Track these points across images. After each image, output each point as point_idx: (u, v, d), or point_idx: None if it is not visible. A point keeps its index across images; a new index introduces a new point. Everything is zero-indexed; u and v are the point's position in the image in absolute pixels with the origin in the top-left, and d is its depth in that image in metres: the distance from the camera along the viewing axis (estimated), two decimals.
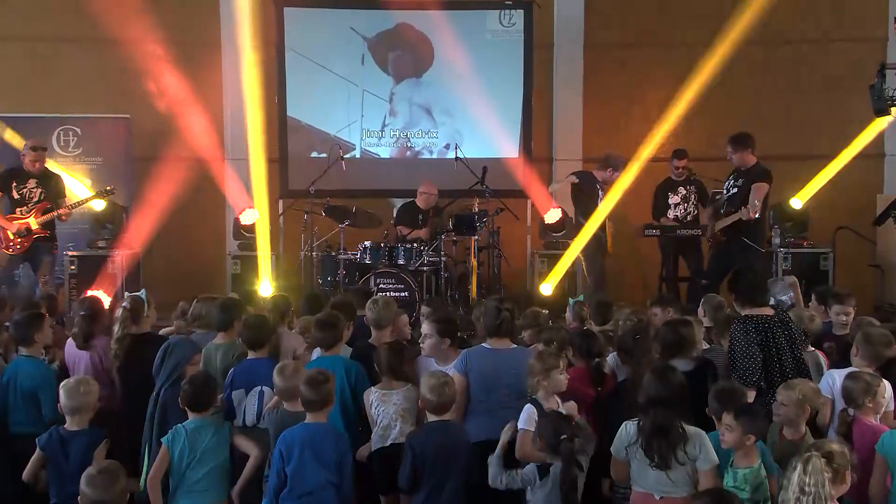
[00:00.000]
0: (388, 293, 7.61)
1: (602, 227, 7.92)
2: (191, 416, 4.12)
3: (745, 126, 8.84)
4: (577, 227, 8.09)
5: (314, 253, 8.53)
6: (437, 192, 8.81)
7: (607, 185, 8.23)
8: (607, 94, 10.03)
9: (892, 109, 6.79)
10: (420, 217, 8.70)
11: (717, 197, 8.02)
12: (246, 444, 4.14)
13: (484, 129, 9.83)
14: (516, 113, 9.87)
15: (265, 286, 8.27)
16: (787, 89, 9.74)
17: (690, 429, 3.55)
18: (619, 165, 8.23)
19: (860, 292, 5.99)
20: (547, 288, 9.00)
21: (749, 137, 7.60)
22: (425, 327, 4.51)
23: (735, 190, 7.57)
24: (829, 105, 9.63)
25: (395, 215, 9.03)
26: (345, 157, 9.01)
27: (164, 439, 4.07)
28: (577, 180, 8.34)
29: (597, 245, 7.84)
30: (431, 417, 3.93)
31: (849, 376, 4.04)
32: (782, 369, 4.27)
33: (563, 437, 3.52)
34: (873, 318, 5.35)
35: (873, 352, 4.36)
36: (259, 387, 4.41)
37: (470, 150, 9.35)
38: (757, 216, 7.35)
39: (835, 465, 2.95)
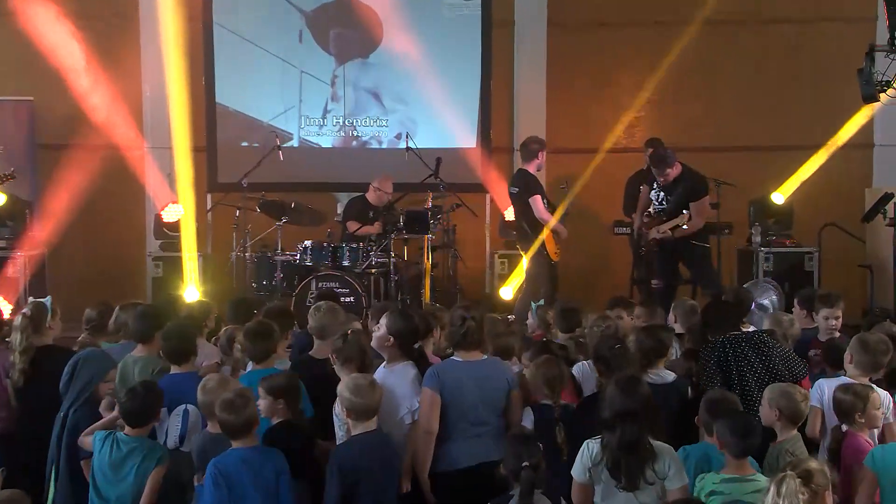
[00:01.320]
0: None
1: (540, 231, 7.80)
2: (128, 430, 4.06)
3: (724, 114, 9.00)
4: (520, 233, 8.02)
5: (247, 254, 8.45)
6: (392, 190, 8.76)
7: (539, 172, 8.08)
8: (574, 78, 10.06)
9: (882, 95, 6.90)
10: (371, 214, 8.65)
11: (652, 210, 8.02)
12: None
13: (438, 117, 9.81)
14: (474, 99, 9.87)
15: (191, 291, 8.14)
16: (770, 73, 9.87)
17: (659, 445, 3.58)
18: (535, 153, 7.97)
19: (848, 295, 6.07)
20: (508, 291, 9.03)
21: (668, 153, 7.66)
22: (382, 319, 4.48)
23: (666, 205, 7.64)
24: (815, 91, 9.77)
25: (341, 211, 8.94)
26: (281, 146, 8.92)
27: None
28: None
29: (535, 249, 7.80)
30: (356, 427, 3.88)
31: (840, 388, 4.09)
32: (742, 386, 4.36)
33: (524, 464, 3.51)
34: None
35: (871, 360, 4.42)
36: (183, 405, 4.34)
37: (423, 140, 9.31)
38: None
39: (813, 486, 2.98)
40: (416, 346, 4.45)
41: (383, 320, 4.41)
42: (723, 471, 3.62)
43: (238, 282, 8.57)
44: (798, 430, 4.05)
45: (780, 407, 3.96)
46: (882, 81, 6.85)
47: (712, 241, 7.91)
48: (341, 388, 3.93)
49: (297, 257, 8.11)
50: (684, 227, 7.50)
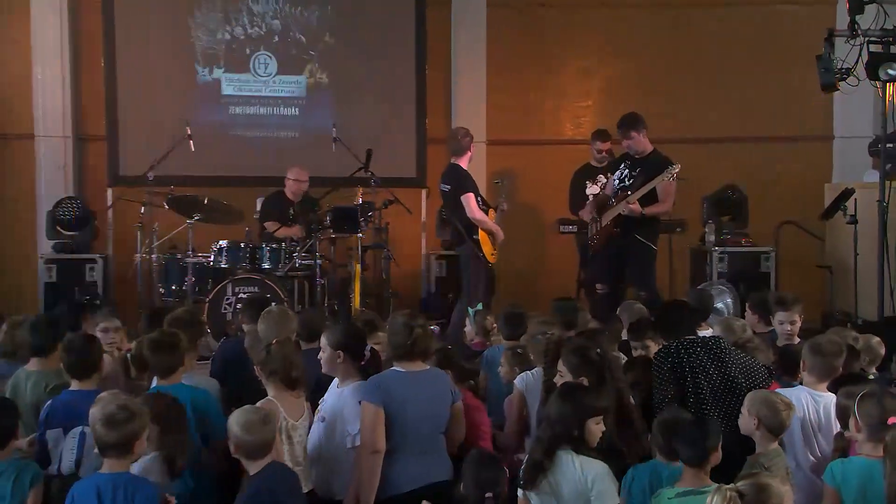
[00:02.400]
0: None
1: (475, 232, 7.74)
2: None
3: (677, 103, 9.11)
4: (454, 234, 7.99)
5: (154, 256, 8.30)
6: (309, 180, 8.69)
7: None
8: (517, 63, 10.08)
9: (842, 84, 7.04)
10: (291, 211, 8.55)
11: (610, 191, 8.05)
12: None
13: (369, 105, 9.76)
14: (408, 85, 9.84)
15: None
16: (725, 60, 10.01)
17: (586, 461, 3.63)
18: (467, 146, 7.85)
19: (806, 297, 6.18)
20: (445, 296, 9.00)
21: (641, 118, 7.65)
22: (322, 339, 4.48)
23: (629, 181, 7.62)
24: (772, 79, 9.92)
25: (258, 209, 8.83)
26: (193, 135, 8.74)
27: None
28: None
29: (471, 250, 7.78)
30: (250, 466, 3.77)
31: (843, 392, 4.08)
32: (697, 395, 4.41)
33: (487, 495, 3.49)
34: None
35: (823, 364, 4.48)
36: (80, 427, 4.22)
37: (352, 130, 9.26)
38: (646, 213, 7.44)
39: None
40: (367, 348, 4.47)
41: (323, 340, 4.41)
42: (677, 483, 3.67)
43: (144, 287, 8.40)
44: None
45: (760, 415, 3.99)
46: (842, 69, 6.96)
47: (663, 239, 7.98)
48: (230, 423, 3.82)
49: (211, 259, 7.98)
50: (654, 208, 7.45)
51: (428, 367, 4.36)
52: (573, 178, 8.99)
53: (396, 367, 4.30)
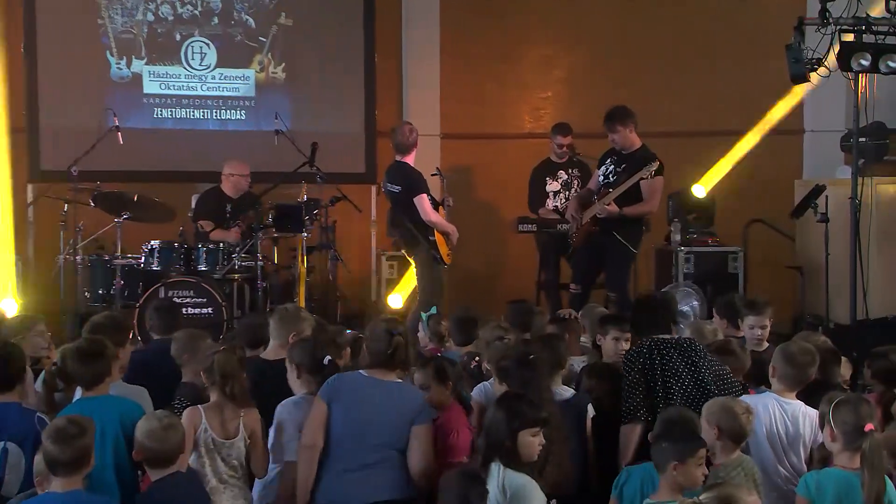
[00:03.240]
0: (184, 310, 7.36)
1: (430, 233, 7.73)
2: None
3: (641, 95, 9.13)
4: (406, 236, 7.94)
5: (79, 257, 8.15)
6: (250, 175, 8.60)
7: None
8: (472, 53, 10.07)
9: (813, 75, 7.09)
10: (228, 208, 8.43)
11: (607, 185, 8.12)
12: None
13: (314, 95, 9.72)
14: (357, 75, 9.81)
15: (7, 303, 7.87)
16: (691, 49, 10.07)
17: (510, 476, 3.64)
18: (415, 143, 7.79)
19: (776, 300, 6.22)
20: (396, 299, 8.96)
21: (626, 112, 7.71)
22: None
23: (613, 178, 7.69)
24: (740, 69, 9.99)
25: (193, 206, 8.70)
26: (121, 126, 8.62)
27: None
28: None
29: (426, 252, 7.76)
30: (153, 474, 3.85)
31: (827, 401, 4.02)
32: (667, 400, 4.43)
33: None
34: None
35: (795, 373, 4.51)
36: (1, 443, 4.18)
37: (296, 122, 9.21)
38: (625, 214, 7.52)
39: None
40: (326, 360, 4.51)
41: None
42: (652, 496, 3.72)
43: (67, 291, 8.24)
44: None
45: (720, 424, 4.00)
46: (812, 59, 7.02)
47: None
48: (136, 431, 3.89)
49: (142, 261, 7.88)
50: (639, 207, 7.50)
51: (400, 381, 4.34)
52: (533, 174, 9.00)
53: (363, 372, 4.32)
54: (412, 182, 7.68)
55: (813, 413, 4.37)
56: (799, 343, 4.77)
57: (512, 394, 4.02)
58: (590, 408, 4.54)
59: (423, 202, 7.62)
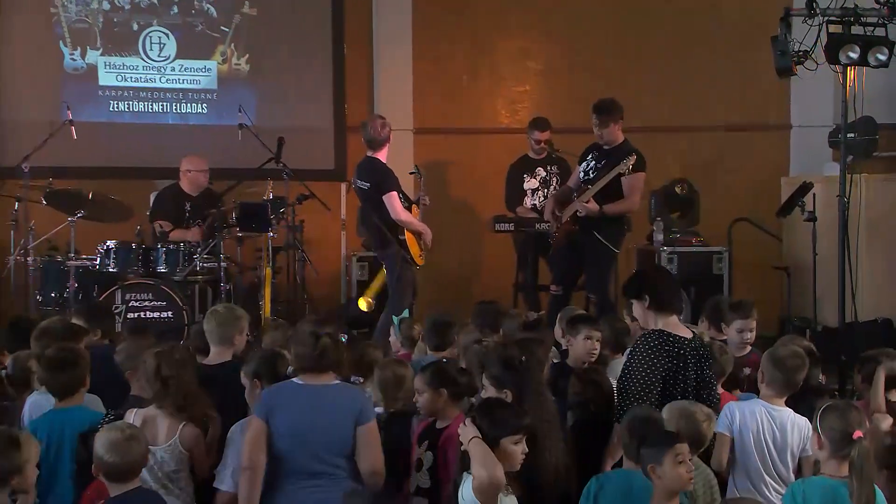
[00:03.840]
0: (143, 313, 7.37)
1: (401, 233, 7.72)
2: None
3: (622, 88, 9.10)
4: (376, 236, 7.94)
5: (30, 258, 8.10)
6: (212, 172, 8.56)
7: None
8: (446, 45, 10.08)
9: (799, 68, 7.11)
10: (188, 206, 8.39)
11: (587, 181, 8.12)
12: None
13: (280, 87, 9.69)
14: (325, 67, 9.79)
15: None
16: (674, 41, 10.10)
17: None
18: (387, 138, 7.75)
19: (762, 302, 6.26)
20: (367, 303, 8.93)
21: (617, 106, 7.74)
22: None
23: (593, 175, 7.69)
24: (724, 62, 10.04)
25: (151, 204, 8.66)
26: (76, 120, 8.55)
27: None
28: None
29: (396, 253, 7.74)
30: (112, 489, 3.84)
31: (834, 409, 4.00)
32: (671, 396, 4.39)
33: None
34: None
35: (784, 378, 4.52)
36: None
37: (261, 116, 9.19)
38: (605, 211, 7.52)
39: None
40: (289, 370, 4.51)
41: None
42: None
43: (18, 294, 8.22)
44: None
45: (679, 429, 4.02)
46: (799, 51, 7.04)
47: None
48: (95, 443, 3.87)
49: (98, 262, 7.82)
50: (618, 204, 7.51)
51: (337, 381, 4.33)
52: (509, 170, 9.02)
53: (295, 380, 4.30)
54: (382, 179, 7.64)
55: (802, 422, 4.40)
56: (789, 347, 4.81)
57: (493, 401, 4.00)
58: (569, 415, 4.53)
59: (392, 200, 7.58)
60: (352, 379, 5.10)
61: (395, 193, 7.62)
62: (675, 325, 4.55)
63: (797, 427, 4.43)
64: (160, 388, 4.32)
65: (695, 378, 4.48)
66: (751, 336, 5.63)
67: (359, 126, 8.09)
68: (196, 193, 8.49)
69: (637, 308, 4.60)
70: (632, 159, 7.41)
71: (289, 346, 4.61)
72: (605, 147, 7.69)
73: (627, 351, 4.72)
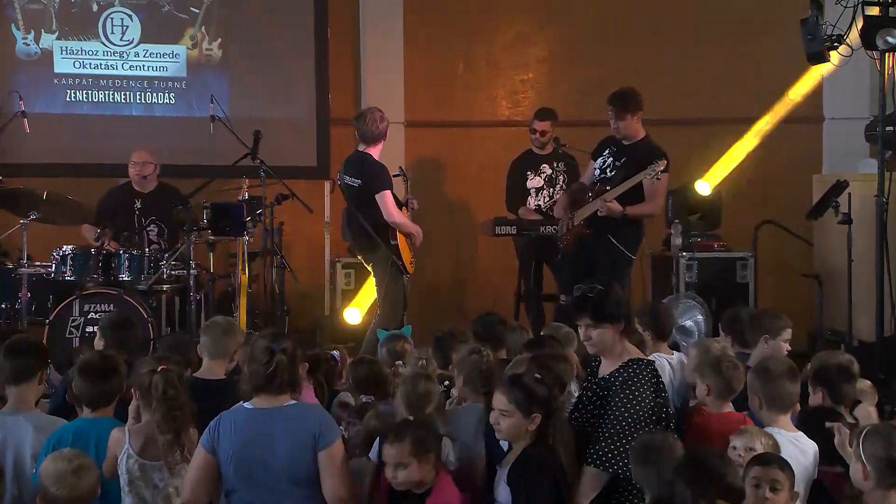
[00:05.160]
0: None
1: (392, 237, 7.74)
2: None
3: (634, 76, 9.08)
4: (362, 239, 7.93)
5: None
6: (157, 165, 8.52)
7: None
8: (439, 29, 10.07)
9: (833, 53, 7.10)
10: (138, 206, 8.39)
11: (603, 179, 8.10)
12: None
13: (257, 76, 9.67)
14: (306, 53, 9.83)
15: None
16: (691, 25, 10.08)
17: None
18: (384, 132, 7.81)
19: (791, 313, 6.17)
20: (354, 314, 8.90)
21: (637, 98, 7.71)
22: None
23: (611, 173, 7.67)
24: (748, 49, 10.03)
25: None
26: (28, 111, 8.55)
27: None
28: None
29: (387, 259, 7.76)
30: None
31: (876, 434, 3.94)
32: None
33: None
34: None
35: (777, 390, 4.55)
36: None
37: (236, 106, 9.17)
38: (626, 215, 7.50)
39: None
40: None
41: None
42: None
43: None
44: None
45: None
46: (832, 35, 7.03)
47: None
48: (41, 472, 3.91)
49: (52, 269, 7.79)
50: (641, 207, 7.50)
51: (293, 402, 4.31)
52: (511, 167, 8.99)
53: (246, 404, 4.29)
54: (375, 175, 7.67)
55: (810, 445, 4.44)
56: (779, 359, 4.88)
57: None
58: None
59: (386, 199, 7.61)
60: (362, 398, 5.14)
61: (389, 193, 7.66)
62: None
63: (814, 452, 4.46)
64: (166, 411, 4.33)
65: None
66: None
67: (343, 119, 8.09)
68: (147, 190, 8.48)
69: (609, 333, 4.43)
70: (661, 164, 7.37)
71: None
72: (625, 142, 7.67)
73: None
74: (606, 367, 4.39)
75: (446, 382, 5.15)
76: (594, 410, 4.33)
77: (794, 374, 4.66)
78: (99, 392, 4.62)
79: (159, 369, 4.39)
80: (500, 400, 4.25)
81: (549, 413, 4.20)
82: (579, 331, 4.50)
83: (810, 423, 4.60)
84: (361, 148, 7.79)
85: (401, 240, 7.73)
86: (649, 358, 4.40)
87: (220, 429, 4.19)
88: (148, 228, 8.34)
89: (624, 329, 4.43)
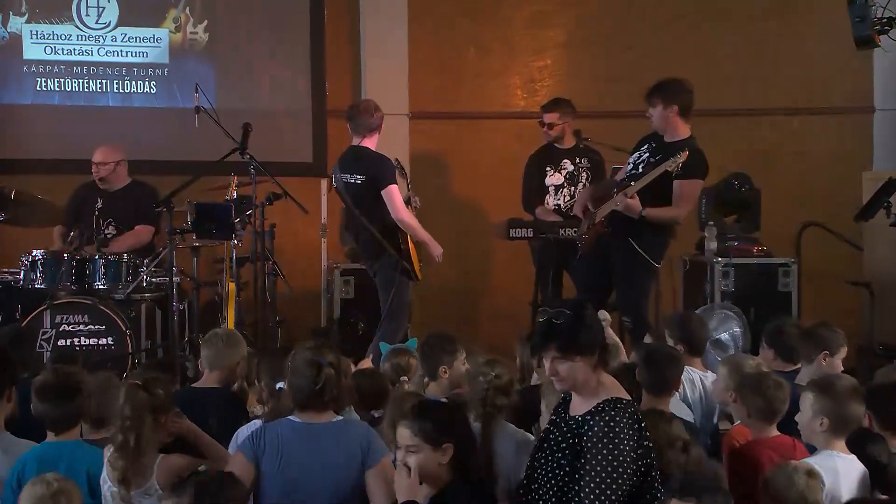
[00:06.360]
0: (77, 339, 7.43)
1: (402, 240, 7.78)
2: None
3: (664, 63, 9.10)
4: (366, 242, 7.97)
5: None
6: (125, 161, 8.55)
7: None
8: (448, 12, 10.10)
9: (883, 38, 7.07)
10: (99, 206, 8.39)
11: (623, 174, 8.09)
12: None
13: (246, 62, 9.71)
14: (301, 38, 9.86)
15: None
16: (729, 4, 10.09)
17: None
18: (379, 123, 7.90)
19: (838, 325, 6.16)
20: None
21: (672, 86, 7.67)
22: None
23: (642, 170, 7.62)
24: (791, 32, 10.04)
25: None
26: None
27: None
28: None
29: (394, 264, 7.77)
30: None
31: None
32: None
33: None
34: None
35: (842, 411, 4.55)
36: None
37: (223, 97, 9.18)
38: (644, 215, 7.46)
39: None
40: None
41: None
42: None
43: None
44: None
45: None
46: (883, 19, 7.02)
47: None
48: (21, 498, 4.00)
49: (21, 276, 7.82)
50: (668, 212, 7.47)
51: (340, 417, 4.44)
52: (528, 163, 8.98)
53: (293, 418, 4.40)
54: (380, 170, 7.73)
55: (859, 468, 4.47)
56: (843, 377, 4.89)
57: None
58: None
59: (394, 195, 7.68)
60: (374, 414, 5.17)
61: (396, 187, 7.72)
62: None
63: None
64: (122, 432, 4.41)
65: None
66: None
67: (343, 110, 8.10)
68: (113, 189, 8.51)
69: (580, 367, 4.20)
70: (682, 156, 7.30)
71: (259, 374, 4.88)
72: (666, 140, 7.64)
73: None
74: (580, 405, 4.16)
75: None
76: (567, 454, 4.09)
77: (859, 394, 4.66)
78: (60, 414, 4.70)
79: (127, 385, 4.48)
80: (403, 435, 4.09)
81: (465, 442, 4.11)
82: (544, 363, 4.23)
83: (852, 447, 4.59)
84: (357, 141, 7.85)
85: (410, 243, 7.78)
86: (627, 397, 4.21)
87: (266, 441, 4.30)
88: (106, 231, 8.34)
89: (598, 360, 4.18)
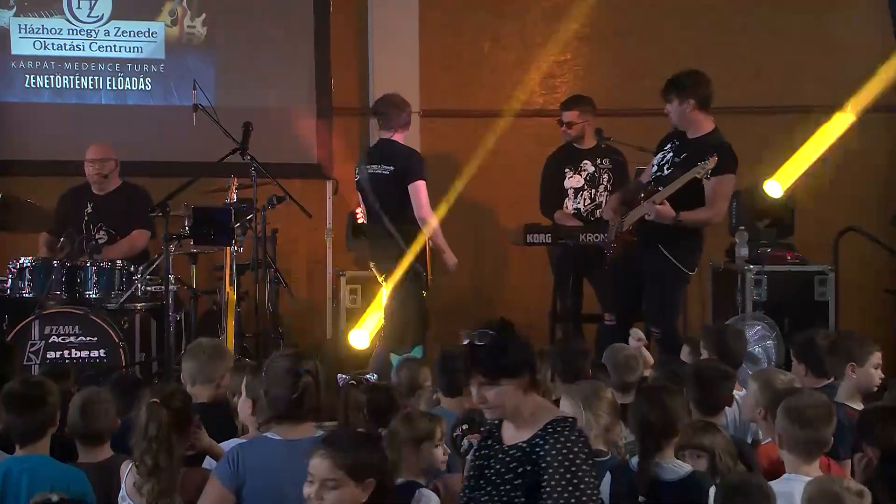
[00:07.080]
0: (67, 352, 7.44)
1: (422, 244, 7.90)
2: None
3: (692, 58, 9.08)
4: (381, 241, 8.05)
5: None
6: (118, 162, 8.58)
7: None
8: (461, 4, 10.12)
9: None
10: (88, 210, 8.43)
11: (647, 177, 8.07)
12: None
13: (247, 58, 9.75)
14: (305, 32, 9.90)
15: None
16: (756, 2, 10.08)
17: None
18: (409, 118, 8.18)
19: (875, 336, 6.23)
20: (361, 336, 8.92)
21: (690, 79, 7.64)
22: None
23: (668, 171, 7.63)
24: (825, 24, 10.03)
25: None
26: None
27: None
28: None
29: (411, 269, 7.83)
30: None
31: None
32: None
33: None
34: None
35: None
36: None
37: (222, 94, 9.21)
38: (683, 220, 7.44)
39: None
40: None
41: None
42: None
43: None
44: None
45: None
46: None
47: None
48: None
49: (9, 284, 7.85)
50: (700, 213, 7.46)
51: (320, 432, 4.35)
52: (547, 164, 8.97)
53: (270, 435, 4.39)
54: (410, 163, 7.96)
55: None
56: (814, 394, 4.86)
57: None
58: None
59: (420, 191, 7.87)
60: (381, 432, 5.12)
61: (424, 184, 7.91)
62: None
63: None
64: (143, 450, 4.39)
65: None
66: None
67: (347, 109, 8.15)
68: (104, 192, 8.55)
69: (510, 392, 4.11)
70: (712, 161, 7.27)
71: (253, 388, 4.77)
72: (690, 136, 7.63)
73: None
74: (517, 432, 4.07)
75: (464, 426, 4.97)
76: (519, 484, 4.00)
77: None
78: (24, 425, 4.67)
79: (150, 401, 4.42)
80: (321, 467, 3.85)
81: (386, 479, 3.98)
82: (471, 390, 4.14)
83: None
84: (386, 135, 8.07)
85: (428, 248, 7.91)
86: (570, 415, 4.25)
87: (244, 462, 4.27)
88: (97, 237, 8.37)
89: (530, 383, 4.12)
